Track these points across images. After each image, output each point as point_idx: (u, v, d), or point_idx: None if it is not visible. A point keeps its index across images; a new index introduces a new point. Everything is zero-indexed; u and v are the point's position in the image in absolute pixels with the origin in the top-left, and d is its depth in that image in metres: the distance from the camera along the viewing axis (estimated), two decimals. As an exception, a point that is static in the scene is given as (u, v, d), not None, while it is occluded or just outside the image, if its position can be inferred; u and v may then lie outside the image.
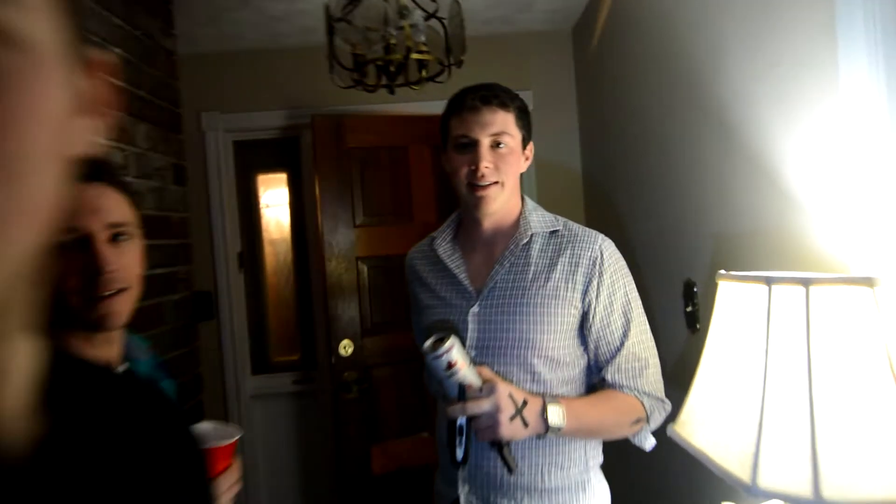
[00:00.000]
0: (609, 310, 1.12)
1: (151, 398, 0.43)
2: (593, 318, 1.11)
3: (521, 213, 1.18)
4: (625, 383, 1.11)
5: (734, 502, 1.14)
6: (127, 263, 0.86)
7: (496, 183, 1.12)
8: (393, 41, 1.57)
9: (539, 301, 1.10)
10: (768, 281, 0.83)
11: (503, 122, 1.12)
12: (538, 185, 2.71)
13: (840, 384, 0.76)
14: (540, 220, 1.18)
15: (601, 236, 1.15)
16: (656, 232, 1.88)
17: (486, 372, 1.02)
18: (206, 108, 2.68)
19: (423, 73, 1.65)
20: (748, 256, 1.29)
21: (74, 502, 0.33)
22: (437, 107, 1.19)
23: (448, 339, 0.95)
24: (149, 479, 0.38)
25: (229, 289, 2.72)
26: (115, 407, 0.40)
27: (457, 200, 1.21)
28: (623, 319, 1.12)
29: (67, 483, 0.33)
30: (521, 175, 1.21)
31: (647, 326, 1.16)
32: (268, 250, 3.21)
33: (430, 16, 1.64)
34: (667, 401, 1.14)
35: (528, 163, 1.19)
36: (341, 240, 2.38)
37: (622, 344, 1.12)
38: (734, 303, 0.92)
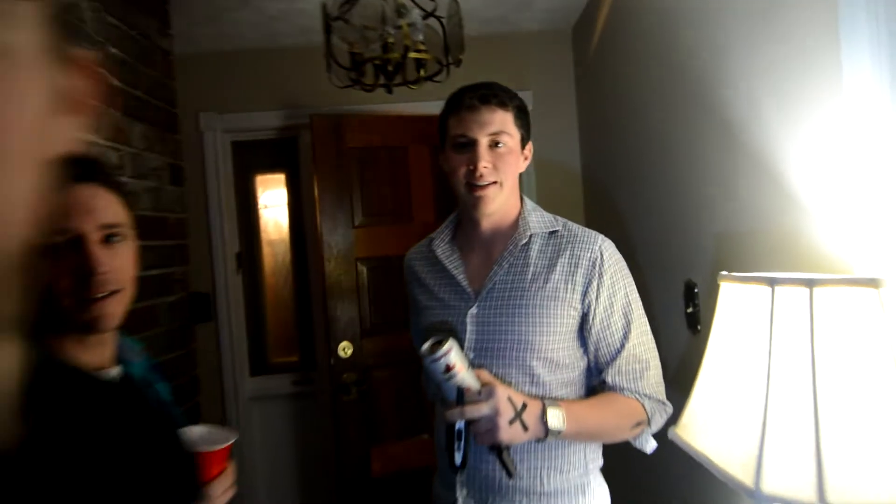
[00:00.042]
0: (609, 311, 1.10)
1: (135, 403, 0.42)
2: (593, 319, 1.10)
3: (520, 214, 1.17)
4: (625, 385, 1.10)
5: (736, 506, 1.13)
6: (120, 265, 0.85)
7: (495, 183, 1.10)
8: (391, 40, 1.56)
9: (538, 302, 1.09)
10: (771, 282, 0.81)
11: (502, 122, 1.11)
12: (538, 185, 2.70)
13: (845, 387, 0.75)
14: (539, 220, 1.16)
15: (601, 237, 1.14)
16: (657, 232, 1.87)
17: (485, 375, 1.01)
18: (204, 108, 2.67)
19: (422, 73, 1.64)
20: (750, 257, 1.28)
21: (51, 501, 0.33)
22: (436, 107, 1.18)
23: (446, 341, 0.94)
24: (125, 480, 0.37)
25: (227, 290, 2.71)
26: (97, 411, 0.39)
27: (456, 201, 1.20)
28: (623, 321, 1.11)
29: (45, 483, 0.33)
30: (521, 175, 1.20)
31: (648, 328, 1.15)
32: (266, 251, 3.20)
33: (428, 15, 1.63)
34: (668, 403, 1.13)
35: (528, 163, 1.18)
36: (340, 240, 2.37)
37: (622, 346, 1.11)
38: (736, 304, 0.91)
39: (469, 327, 1.11)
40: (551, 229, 1.15)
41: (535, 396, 1.04)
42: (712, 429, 0.91)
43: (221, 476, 0.82)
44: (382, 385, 2.37)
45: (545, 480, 1.09)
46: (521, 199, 1.19)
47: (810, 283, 0.77)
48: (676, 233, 1.70)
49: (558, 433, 1.00)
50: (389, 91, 1.71)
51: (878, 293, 0.76)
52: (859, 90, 0.87)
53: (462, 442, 0.97)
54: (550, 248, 1.13)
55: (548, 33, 2.73)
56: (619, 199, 2.26)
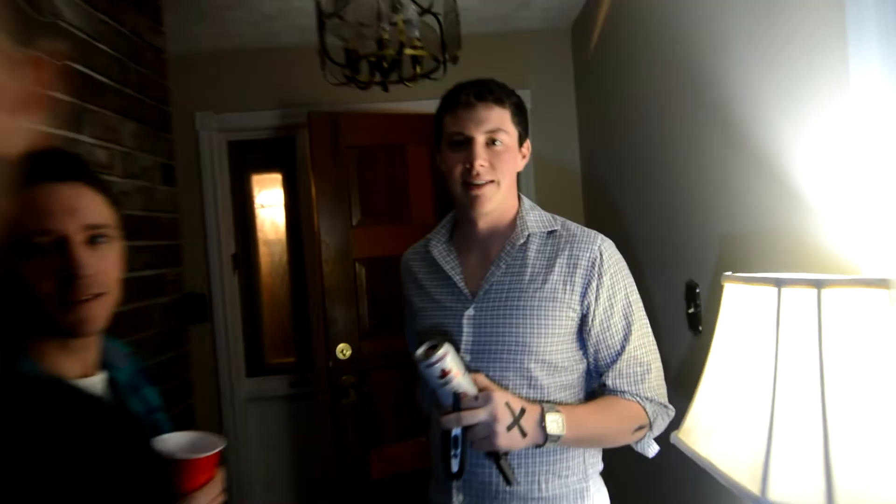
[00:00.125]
0: (609, 312, 1.08)
1: (96, 412, 0.40)
2: (593, 321, 1.07)
3: (517, 213, 1.14)
4: (626, 389, 1.08)
5: (741, 512, 1.10)
6: (105, 267, 0.82)
7: (492, 182, 1.08)
8: (386, 36, 1.54)
9: (536, 304, 1.06)
10: (778, 283, 0.79)
11: (499, 119, 1.08)
12: (536, 185, 2.68)
13: (854, 391, 0.73)
14: (537, 219, 1.14)
15: (601, 236, 1.11)
16: (657, 232, 1.85)
17: (482, 380, 0.98)
18: (199, 107, 2.65)
19: (418, 70, 1.62)
20: (753, 257, 1.25)
21: None
22: (435, 106, 1.16)
23: (441, 346, 0.92)
24: (83, 492, 0.35)
25: (224, 290, 2.69)
26: (53, 419, 0.37)
27: (454, 200, 1.17)
28: (624, 322, 1.09)
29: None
30: (519, 174, 1.17)
31: (649, 329, 1.12)
32: (263, 251, 3.18)
33: (424, 11, 1.60)
34: (670, 406, 1.11)
35: (525, 161, 1.16)
36: (338, 240, 2.34)
37: (623, 348, 1.08)
38: (741, 305, 0.88)
39: (465, 329, 1.09)
40: (550, 229, 1.13)
41: (534, 401, 1.02)
42: (716, 434, 0.89)
43: (209, 484, 0.80)
44: (381, 387, 2.34)
45: (543, 486, 1.06)
46: (520, 199, 1.17)
47: (818, 284, 0.75)
48: (677, 232, 1.68)
49: (557, 439, 0.97)
50: (385, 88, 1.68)
51: (889, 294, 0.74)
52: (867, 88, 0.85)
53: (459, 449, 0.95)
54: (549, 248, 1.11)
55: (547, 32, 2.71)
56: (619, 199, 2.24)
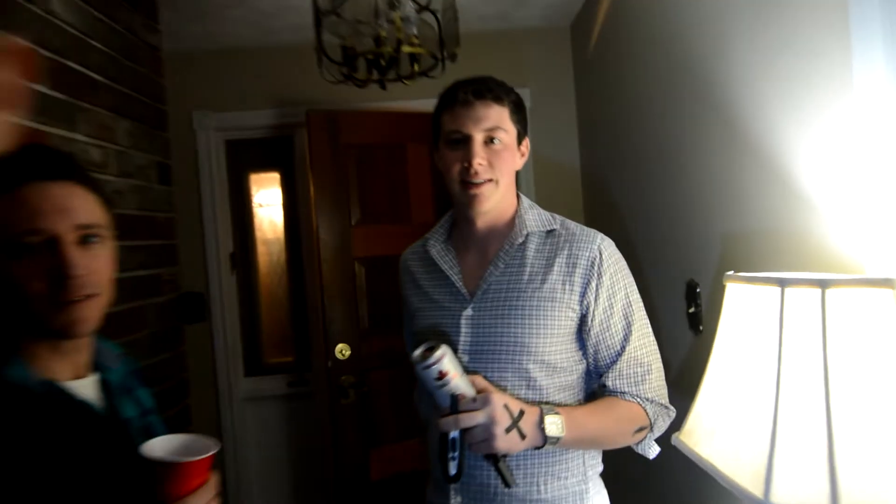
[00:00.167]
0: (609, 312, 1.06)
1: (83, 417, 0.39)
2: (592, 321, 1.06)
3: (516, 212, 1.13)
4: (626, 389, 1.06)
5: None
6: (97, 267, 0.81)
7: (490, 181, 1.06)
8: (383, 34, 1.52)
9: (534, 304, 1.05)
10: (781, 283, 0.78)
11: (497, 117, 1.07)
12: (536, 184, 2.67)
13: (859, 392, 0.72)
14: (536, 218, 1.12)
15: (600, 235, 1.10)
16: (658, 231, 1.83)
17: (481, 381, 0.97)
18: (197, 106, 2.63)
19: (416, 68, 1.60)
20: (755, 256, 1.24)
21: None
22: (434, 105, 1.14)
23: (438, 347, 0.90)
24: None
25: (221, 290, 2.68)
26: (40, 426, 0.36)
27: (451, 199, 1.16)
28: (624, 322, 1.07)
29: None
30: (518, 173, 1.16)
31: (650, 329, 1.11)
32: (261, 250, 3.17)
33: (422, 8, 1.59)
34: (671, 407, 1.09)
35: (524, 159, 1.14)
36: (337, 240, 2.32)
37: (623, 348, 1.07)
38: (744, 306, 0.87)
39: (463, 329, 1.08)
40: (549, 228, 1.11)
41: (533, 402, 1.01)
42: (718, 435, 0.88)
43: (202, 488, 0.78)
44: (381, 387, 2.33)
45: (542, 487, 1.05)
46: (518, 197, 1.15)
47: (823, 284, 0.74)
48: (678, 231, 1.67)
49: (557, 441, 0.96)
50: (383, 86, 1.67)
51: (894, 294, 0.72)
52: (871, 86, 0.84)
53: (457, 451, 0.93)
54: (548, 247, 1.10)
55: (546, 30, 2.70)
56: (619, 198, 2.23)
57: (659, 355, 1.11)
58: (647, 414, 1.05)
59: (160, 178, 2.06)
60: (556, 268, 1.07)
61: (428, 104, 1.18)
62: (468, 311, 1.08)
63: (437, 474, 1.12)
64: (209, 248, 2.66)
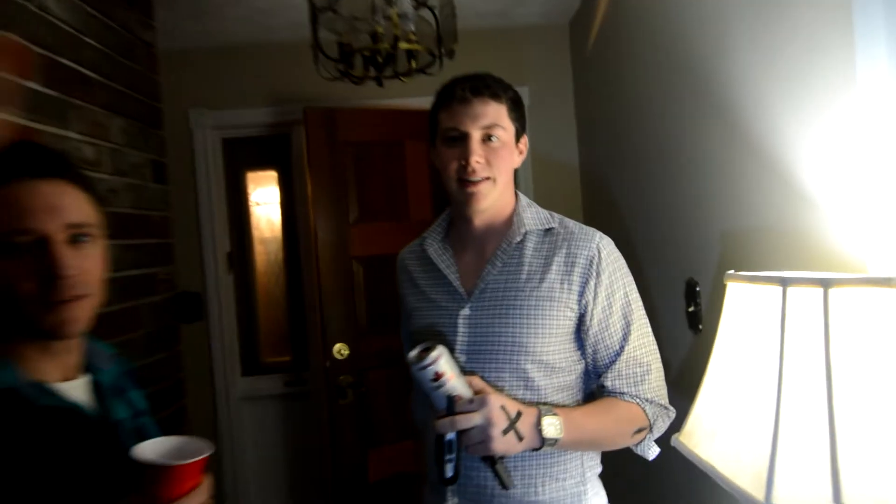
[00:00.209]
0: (607, 312, 1.05)
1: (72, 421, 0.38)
2: (591, 320, 1.05)
3: (514, 210, 1.12)
4: (626, 390, 1.05)
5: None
6: (88, 267, 0.79)
7: (488, 179, 1.05)
8: (380, 30, 1.51)
9: (532, 303, 1.04)
10: (783, 282, 0.76)
11: (495, 114, 1.05)
12: (535, 182, 2.66)
13: (863, 393, 0.71)
14: (534, 217, 1.11)
15: (599, 234, 1.09)
16: (657, 229, 1.82)
17: (478, 382, 0.96)
18: (193, 104, 2.62)
19: (413, 64, 1.59)
20: (755, 255, 1.23)
21: None
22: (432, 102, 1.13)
23: (435, 348, 0.89)
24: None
25: (218, 289, 2.66)
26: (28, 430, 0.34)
27: (449, 197, 1.15)
28: (623, 322, 1.06)
29: None
30: (517, 171, 1.14)
31: (649, 329, 1.10)
32: (258, 249, 3.15)
33: (419, 5, 1.57)
34: (671, 407, 1.08)
35: (523, 157, 1.13)
36: (335, 238, 2.30)
37: (622, 348, 1.06)
38: (745, 305, 0.86)
39: (461, 329, 1.06)
40: (547, 226, 1.10)
41: (531, 403, 0.99)
42: (719, 437, 0.86)
43: (194, 491, 0.77)
44: (379, 387, 2.31)
45: (540, 489, 1.04)
46: (517, 196, 1.14)
47: (825, 284, 0.72)
48: (677, 230, 1.66)
49: (555, 442, 0.95)
50: (380, 83, 1.65)
51: (898, 293, 0.71)
52: (874, 82, 0.83)
53: (453, 454, 0.92)
54: (546, 245, 1.08)
55: (545, 27, 2.69)
56: (618, 196, 2.22)
57: (658, 355, 1.09)
58: (646, 415, 1.04)
59: (155, 177, 2.04)
60: (554, 266, 1.05)
61: (426, 102, 1.17)
62: (465, 311, 1.07)
63: (433, 476, 1.11)
64: (206, 247, 2.65)
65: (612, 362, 1.06)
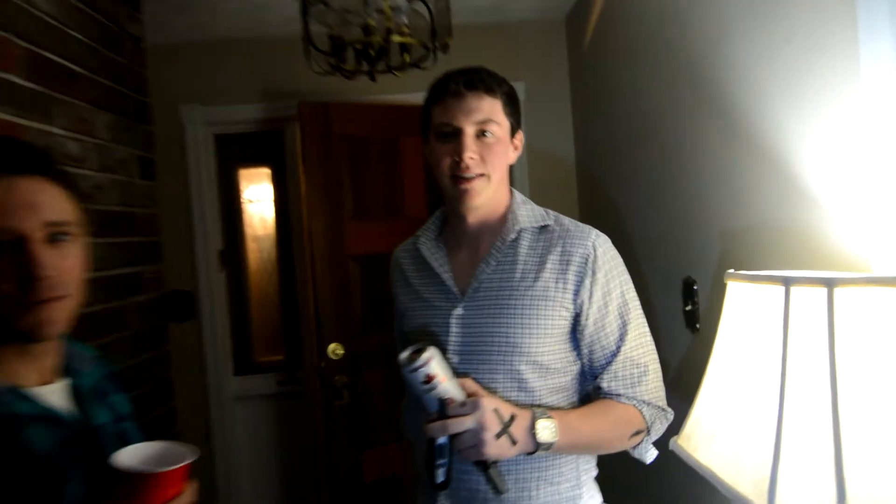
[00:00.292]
0: (603, 311, 1.03)
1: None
2: (586, 320, 1.02)
3: (509, 208, 1.09)
4: (622, 391, 1.03)
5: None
6: (67, 267, 0.77)
7: (481, 175, 1.02)
8: (372, 23, 1.47)
9: (527, 302, 1.01)
10: (786, 282, 0.74)
11: (490, 109, 1.03)
12: (530, 178, 2.63)
13: (868, 395, 0.69)
14: (529, 214, 1.08)
15: (595, 231, 1.06)
16: (654, 227, 1.80)
17: (470, 384, 0.93)
18: (184, 99, 2.57)
19: (406, 58, 1.55)
20: (755, 253, 1.21)
21: None
22: (427, 97, 1.10)
23: (426, 350, 0.86)
24: None
25: (210, 287, 2.63)
26: None
27: (442, 194, 1.12)
28: (619, 322, 1.04)
29: None
30: (512, 167, 1.12)
31: (647, 329, 1.07)
32: (251, 247, 3.12)
33: (413, -3, 1.54)
34: (669, 409, 1.06)
35: (518, 153, 1.10)
36: (329, 235, 2.27)
37: (618, 349, 1.03)
38: (746, 305, 0.84)
39: (453, 329, 1.04)
40: (542, 223, 1.07)
41: (525, 406, 0.97)
42: (718, 440, 0.84)
43: (176, 499, 0.74)
44: (375, 387, 2.28)
45: (534, 493, 1.02)
46: (511, 192, 1.11)
47: (830, 283, 0.70)
48: (675, 227, 1.64)
49: (549, 446, 0.92)
50: (372, 77, 1.62)
51: (904, 293, 0.69)
52: (878, 78, 0.81)
53: (445, 458, 0.89)
54: (541, 243, 1.06)
55: (541, 22, 2.66)
56: (615, 193, 2.19)
57: (656, 356, 1.07)
58: (643, 417, 1.02)
59: (142, 173, 2.00)
60: (549, 265, 1.03)
61: (422, 97, 1.14)
62: (458, 311, 1.04)
63: (425, 480, 1.09)
64: (198, 244, 2.61)
65: (609, 363, 1.03)
